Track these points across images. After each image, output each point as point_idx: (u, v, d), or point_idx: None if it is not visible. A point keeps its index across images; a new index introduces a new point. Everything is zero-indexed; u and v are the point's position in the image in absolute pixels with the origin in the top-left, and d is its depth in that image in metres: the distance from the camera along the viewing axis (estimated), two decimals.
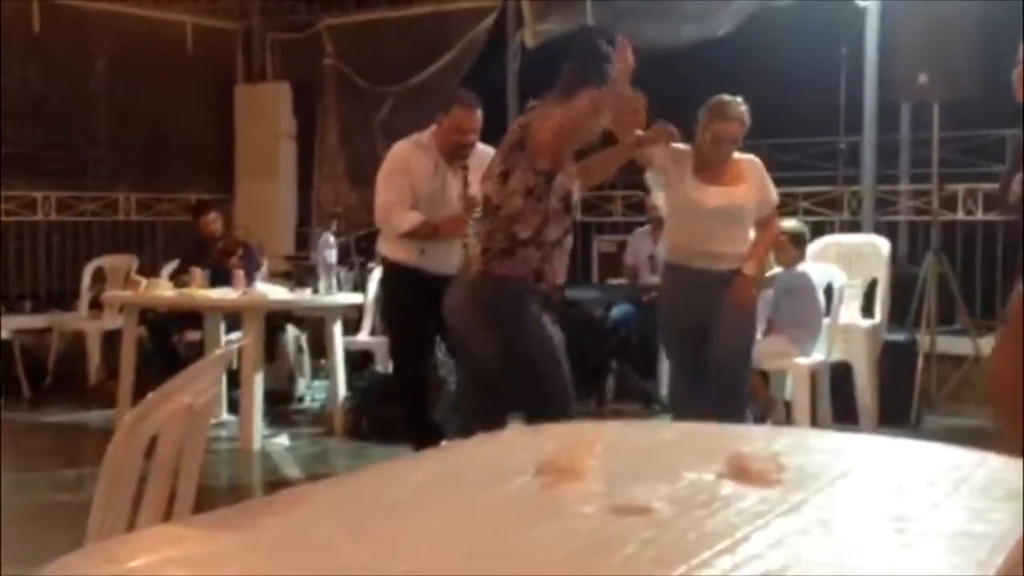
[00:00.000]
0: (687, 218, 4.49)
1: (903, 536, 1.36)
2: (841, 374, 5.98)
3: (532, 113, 3.63)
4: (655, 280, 7.01)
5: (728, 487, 1.58)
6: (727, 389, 4.31)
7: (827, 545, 1.37)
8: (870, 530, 1.43)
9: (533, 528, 1.40)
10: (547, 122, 3.52)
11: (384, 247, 5.24)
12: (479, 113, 4.98)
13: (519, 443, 1.93)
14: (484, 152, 5.10)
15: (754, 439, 1.94)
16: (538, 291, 3.58)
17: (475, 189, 4.94)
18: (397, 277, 5.15)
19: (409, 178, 4.94)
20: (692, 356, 4.46)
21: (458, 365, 4.20)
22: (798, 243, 5.78)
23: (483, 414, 3.52)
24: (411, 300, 5.05)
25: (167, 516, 1.78)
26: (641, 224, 7.37)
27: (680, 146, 4.41)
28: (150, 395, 1.70)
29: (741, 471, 1.63)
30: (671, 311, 4.63)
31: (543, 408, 3.40)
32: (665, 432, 2.05)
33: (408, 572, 1.24)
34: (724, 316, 4.33)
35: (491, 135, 5.89)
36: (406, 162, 4.98)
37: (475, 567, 1.26)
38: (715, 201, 4.43)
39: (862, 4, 6.87)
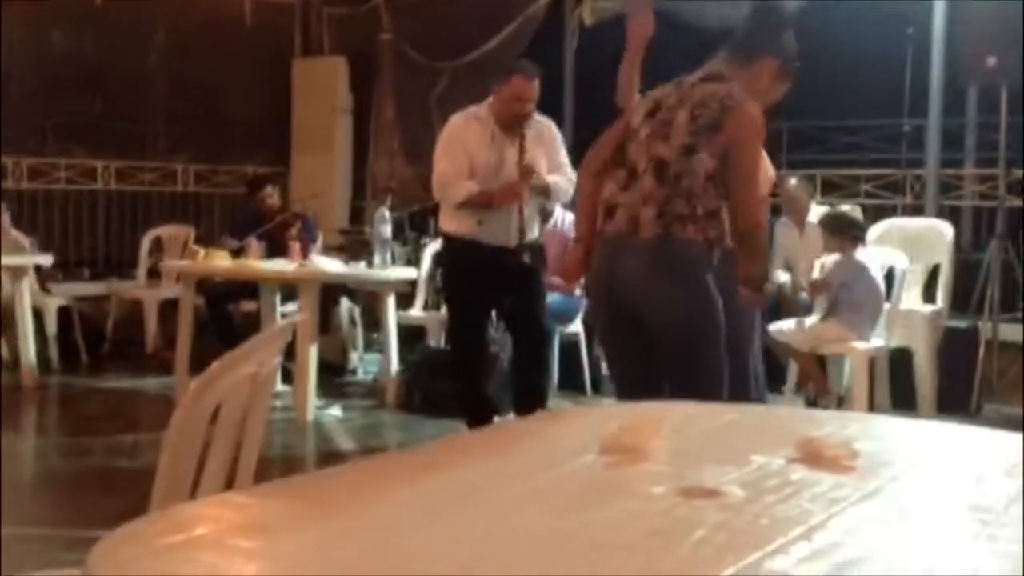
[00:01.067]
0: None
1: (987, 528, 1.32)
2: (900, 360, 5.90)
3: (720, 89, 3.31)
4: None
5: (799, 472, 1.55)
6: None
7: (906, 535, 1.33)
8: (950, 521, 1.39)
9: (600, 509, 1.38)
10: (745, 112, 3.27)
11: (443, 221, 5.24)
12: (538, 83, 4.96)
13: (581, 422, 1.90)
14: (541, 123, 5.09)
15: (824, 424, 1.89)
16: (711, 264, 3.32)
17: (531, 157, 4.93)
18: (455, 251, 5.15)
19: (466, 149, 4.93)
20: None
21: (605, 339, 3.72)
22: (846, 229, 5.67)
23: (638, 388, 3.30)
24: (469, 274, 5.05)
25: (229, 484, 1.78)
26: None
27: None
28: (215, 364, 1.70)
29: (813, 456, 1.59)
30: None
31: (706, 383, 3.22)
32: (729, 414, 2.01)
33: (476, 552, 1.22)
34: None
35: (549, 113, 5.87)
36: (462, 134, 4.98)
37: (543, 548, 1.24)
38: None
39: None
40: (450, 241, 5.18)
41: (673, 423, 1.71)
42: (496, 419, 5.35)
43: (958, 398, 5.96)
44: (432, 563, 1.18)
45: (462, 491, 1.47)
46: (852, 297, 5.57)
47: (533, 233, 5.12)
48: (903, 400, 5.84)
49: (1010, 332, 6.24)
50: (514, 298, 5.11)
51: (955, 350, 6.06)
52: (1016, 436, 1.81)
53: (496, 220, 4.95)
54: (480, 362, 5.38)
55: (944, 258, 6.08)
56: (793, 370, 6.01)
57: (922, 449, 1.83)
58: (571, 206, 7.17)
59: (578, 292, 6.42)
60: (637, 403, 1.97)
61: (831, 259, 5.87)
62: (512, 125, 4.92)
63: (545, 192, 5.03)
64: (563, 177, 5.11)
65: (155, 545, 1.22)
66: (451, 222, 5.10)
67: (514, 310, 5.20)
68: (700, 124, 3.26)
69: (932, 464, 1.73)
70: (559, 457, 1.61)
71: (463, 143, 4.96)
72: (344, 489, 1.50)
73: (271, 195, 7.25)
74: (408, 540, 1.25)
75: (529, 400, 5.15)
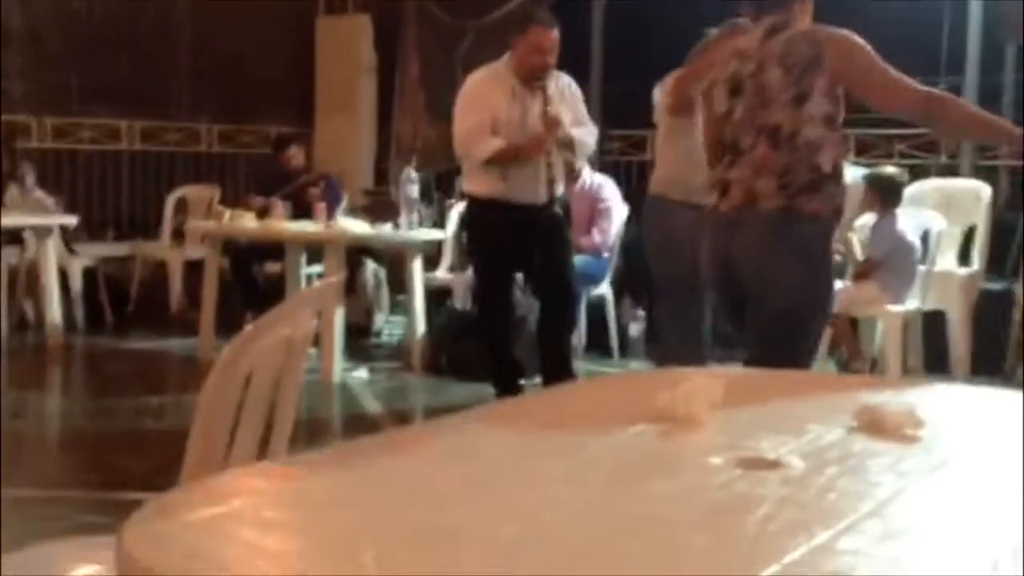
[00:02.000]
0: None
1: None
2: (934, 322, 5.80)
3: (795, 31, 3.13)
4: None
5: (861, 442, 1.47)
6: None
7: (980, 510, 1.26)
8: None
9: (657, 482, 1.31)
10: (836, 33, 3.10)
11: (466, 182, 5.17)
12: (556, 33, 4.86)
13: (628, 389, 1.83)
14: (562, 78, 4.99)
15: (882, 390, 1.82)
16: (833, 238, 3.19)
17: (555, 110, 4.85)
18: (480, 211, 5.07)
19: (488, 105, 4.85)
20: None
21: (732, 319, 3.38)
22: (889, 190, 5.57)
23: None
24: (495, 234, 4.98)
25: (262, 450, 1.72)
26: None
27: None
28: (248, 327, 1.63)
29: (874, 424, 1.51)
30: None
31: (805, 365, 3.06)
32: (781, 380, 1.94)
33: (527, 529, 1.16)
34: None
35: (576, 70, 5.76)
36: (482, 90, 4.90)
37: (599, 525, 1.17)
38: None
39: None
40: (475, 201, 5.11)
41: (725, 390, 1.63)
42: (522, 382, 5.30)
43: (992, 361, 5.86)
44: (481, 541, 1.12)
45: (509, 463, 1.41)
46: (887, 255, 5.47)
47: (561, 189, 5.03)
48: (936, 364, 5.76)
49: None
50: (541, 259, 5.04)
51: (990, 313, 5.95)
52: None
53: (523, 176, 4.87)
54: (507, 325, 5.32)
55: (981, 219, 5.96)
56: (825, 333, 5.90)
57: (984, 417, 1.75)
58: (599, 168, 7.12)
59: (606, 254, 6.35)
60: (685, 369, 1.89)
61: (866, 219, 5.77)
62: (533, 78, 4.83)
63: (570, 145, 4.93)
64: (587, 131, 5.03)
65: (190, 519, 1.16)
66: (475, 182, 5.02)
67: (541, 271, 5.13)
68: (798, 71, 3.05)
69: (996, 433, 1.65)
70: (610, 426, 1.54)
71: (484, 100, 4.87)
72: (385, 459, 1.44)
73: (296, 155, 7.19)
74: (455, 516, 1.19)
75: (555, 363, 5.09)
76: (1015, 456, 1.43)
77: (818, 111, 3.05)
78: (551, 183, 4.91)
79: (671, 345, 4.47)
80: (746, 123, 3.11)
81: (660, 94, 4.48)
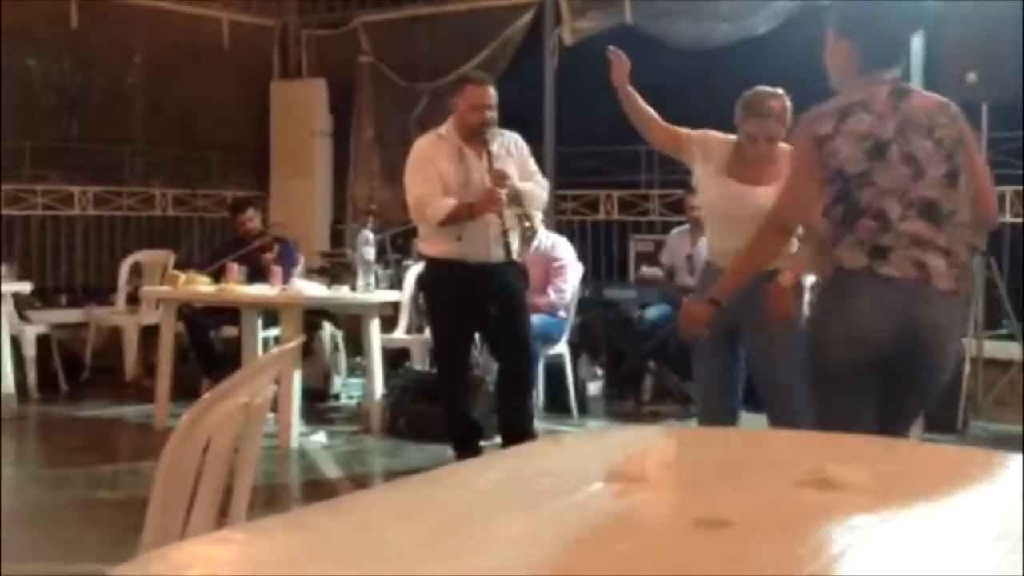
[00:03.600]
0: (721, 220, 4.20)
1: (1012, 555, 1.28)
2: None
3: (930, 99, 3.08)
4: (692, 281, 6.95)
5: (813, 497, 1.50)
6: (791, 410, 3.87)
7: (931, 563, 1.29)
8: (973, 547, 1.35)
9: (615, 542, 1.33)
10: (962, 113, 3.11)
11: (422, 244, 5.21)
12: (492, 89, 4.99)
13: (583, 449, 1.85)
14: (505, 135, 5.09)
15: (826, 447, 1.86)
16: None
17: (501, 165, 4.93)
18: (436, 272, 5.12)
19: (436, 168, 4.94)
20: (722, 362, 4.22)
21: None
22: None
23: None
24: (451, 296, 5.02)
25: (222, 515, 1.73)
26: (680, 223, 7.29)
27: (718, 137, 4.24)
28: (206, 395, 1.64)
29: (824, 481, 1.55)
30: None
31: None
32: (731, 439, 1.97)
33: None
34: (766, 332, 3.86)
35: (530, 132, 5.85)
36: (430, 154, 4.98)
37: None
38: (753, 201, 3.98)
39: None
40: (430, 262, 5.15)
41: (677, 449, 1.66)
42: (482, 443, 5.30)
43: (944, 416, 5.93)
44: None
45: (468, 524, 1.42)
46: None
47: (515, 249, 5.08)
48: None
49: (995, 349, 6.24)
50: (498, 319, 5.07)
51: None
52: (1018, 457, 1.77)
53: (476, 236, 4.92)
54: (464, 385, 5.34)
55: None
56: None
57: (931, 471, 1.79)
58: (554, 228, 7.20)
59: (562, 314, 6.40)
60: (636, 428, 1.92)
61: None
62: (475, 136, 4.93)
63: (518, 199, 4.99)
64: (536, 184, 5.10)
65: None
66: (430, 244, 5.07)
67: (498, 331, 5.16)
68: (948, 147, 3.01)
69: (944, 486, 1.69)
70: (566, 485, 1.56)
71: (432, 163, 4.95)
72: (344, 524, 1.45)
73: (252, 218, 7.21)
74: None
75: (515, 424, 5.10)
76: (962, 509, 1.47)
77: (968, 191, 3.04)
78: (505, 242, 4.96)
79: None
80: (894, 191, 3.01)
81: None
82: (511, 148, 5.07)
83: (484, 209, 4.86)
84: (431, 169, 4.94)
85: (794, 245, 3.88)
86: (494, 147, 4.96)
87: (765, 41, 7.06)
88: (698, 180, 4.34)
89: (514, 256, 5.04)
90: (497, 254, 4.96)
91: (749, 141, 4.13)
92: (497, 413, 5.31)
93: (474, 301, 5.00)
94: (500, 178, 4.86)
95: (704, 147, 4.19)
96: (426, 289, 5.53)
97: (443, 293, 5.10)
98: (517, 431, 5.00)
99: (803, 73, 7.24)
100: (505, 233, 4.92)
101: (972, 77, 6.04)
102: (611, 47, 4.15)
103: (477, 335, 5.46)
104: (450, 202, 4.88)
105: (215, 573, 1.26)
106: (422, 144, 5.08)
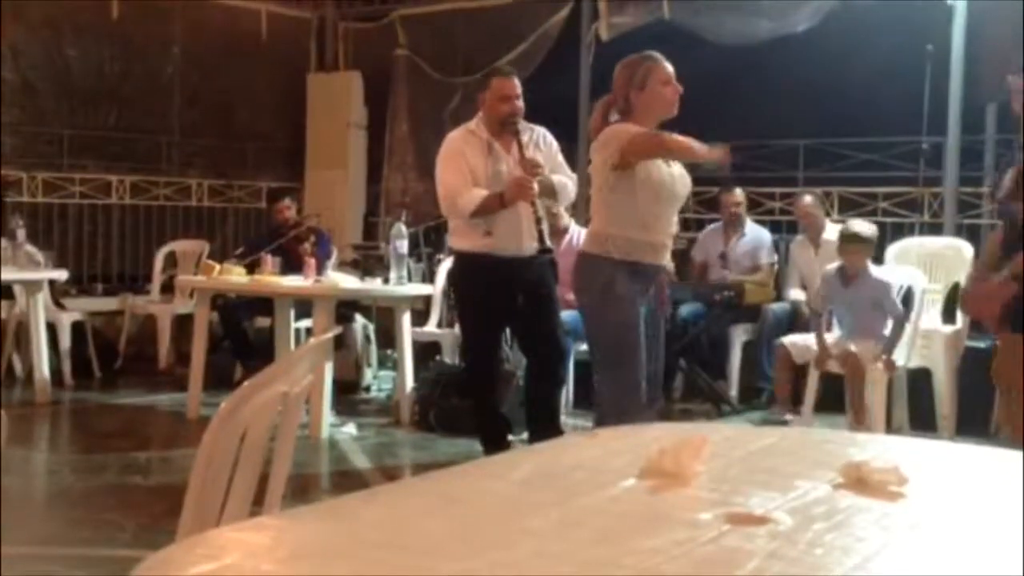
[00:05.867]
0: None
1: None
2: (919, 380, 5.83)
3: None
4: (729, 276, 6.93)
5: (846, 498, 1.50)
6: None
7: (963, 567, 1.29)
8: (1006, 551, 1.35)
9: (646, 537, 1.33)
10: None
11: (453, 238, 5.22)
12: (517, 80, 5.04)
13: (617, 444, 1.86)
14: (535, 130, 5.09)
15: (866, 447, 1.85)
16: None
17: (531, 152, 4.93)
18: (467, 267, 5.12)
19: (467, 161, 4.96)
20: None
21: None
22: (859, 243, 5.61)
23: None
24: (482, 290, 5.02)
25: (257, 504, 1.74)
26: (713, 221, 7.26)
27: None
28: (244, 384, 1.66)
29: (859, 481, 1.55)
30: None
31: None
32: (768, 437, 1.97)
33: None
34: None
35: (565, 129, 5.84)
36: (460, 147, 5.01)
37: None
38: None
39: (949, 2, 6.68)
40: (461, 256, 5.16)
41: (713, 446, 1.66)
42: (510, 438, 5.31)
43: (977, 419, 5.89)
44: None
45: (500, 517, 1.43)
46: (871, 310, 5.53)
47: (548, 243, 5.07)
48: (922, 421, 5.78)
49: None
50: (529, 314, 5.07)
51: (975, 370, 5.98)
52: None
53: (506, 228, 4.93)
54: (494, 380, 5.34)
55: (963, 277, 6.02)
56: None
57: (967, 473, 1.78)
58: (584, 222, 7.18)
59: None
60: (670, 424, 1.93)
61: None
62: (504, 127, 4.95)
63: (551, 191, 4.99)
64: (566, 178, 5.09)
65: (189, 574, 1.18)
66: (461, 238, 5.08)
67: (529, 327, 5.16)
68: None
69: (980, 489, 1.68)
70: (599, 481, 1.56)
71: (463, 156, 4.98)
72: (377, 514, 1.46)
73: (289, 206, 7.25)
74: (446, 568, 1.21)
75: (543, 419, 5.10)
76: (997, 512, 1.46)
77: None
78: (539, 231, 4.93)
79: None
80: None
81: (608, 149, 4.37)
82: (540, 142, 5.08)
83: (515, 198, 4.86)
84: (461, 162, 4.96)
85: None
86: (525, 140, 4.97)
87: (804, 38, 7.03)
88: None
89: (547, 243, 4.99)
90: (529, 247, 4.96)
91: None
92: (525, 408, 5.32)
93: (505, 295, 5.00)
94: (532, 167, 4.87)
95: None
96: (456, 283, 5.53)
97: (473, 287, 5.10)
98: (546, 427, 5.00)
99: (840, 70, 7.22)
100: (538, 221, 4.90)
101: (1012, 80, 5.97)
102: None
103: (507, 329, 5.46)
104: (481, 193, 4.89)
105: (253, 558, 1.28)
106: (452, 138, 5.09)
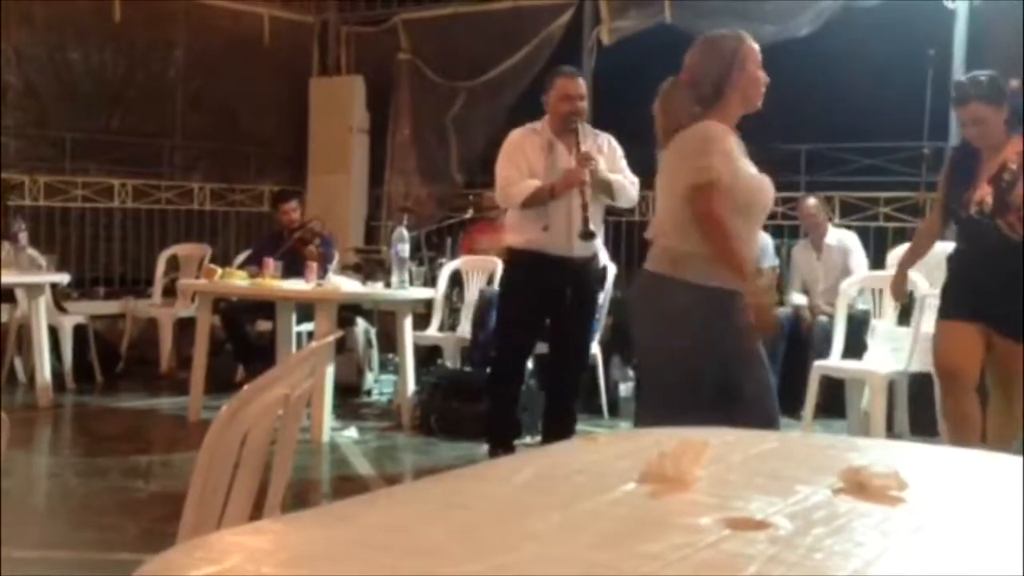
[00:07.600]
0: None
1: None
2: (920, 385, 5.83)
3: None
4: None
5: (846, 503, 1.50)
6: None
7: (966, 569, 1.29)
8: (1006, 556, 1.35)
9: (647, 541, 1.33)
10: None
11: (508, 234, 5.23)
12: (581, 81, 5.12)
13: (618, 448, 1.86)
14: (599, 134, 5.13)
15: (866, 452, 1.85)
16: None
17: (587, 146, 4.95)
18: (518, 263, 5.14)
19: (524, 156, 5.02)
20: None
21: None
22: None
23: None
24: (528, 287, 5.04)
25: (257, 508, 1.75)
26: None
27: None
28: (245, 387, 1.66)
29: (859, 486, 1.55)
30: None
31: None
32: (769, 442, 1.97)
33: None
34: None
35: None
36: (520, 143, 5.08)
37: None
38: None
39: (950, 5, 6.69)
40: (513, 252, 5.17)
41: (714, 450, 1.67)
42: (515, 442, 5.31)
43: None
44: None
45: (501, 521, 1.43)
46: None
47: (600, 233, 5.08)
48: (923, 426, 5.77)
49: None
50: (567, 315, 5.10)
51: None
52: None
53: (561, 227, 4.95)
54: (521, 381, 5.34)
55: None
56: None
57: (969, 478, 1.78)
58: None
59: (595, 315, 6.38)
60: (674, 429, 1.93)
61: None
62: (566, 125, 5.00)
63: (607, 189, 5.00)
64: (627, 180, 5.09)
65: None
66: (517, 232, 5.11)
67: (563, 328, 5.17)
68: None
69: (981, 494, 1.68)
70: (600, 485, 1.56)
71: (522, 151, 5.05)
72: (378, 518, 1.46)
73: (294, 208, 7.27)
74: (448, 570, 1.21)
75: (560, 425, 5.11)
76: (997, 518, 1.46)
77: None
78: (584, 217, 4.89)
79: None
80: None
81: None
82: (603, 146, 5.12)
83: (566, 186, 4.91)
84: (519, 156, 5.04)
85: None
86: (586, 143, 5.01)
87: (806, 43, 7.03)
88: None
89: (592, 229, 4.93)
90: (580, 249, 4.99)
91: None
92: (545, 411, 5.33)
93: (550, 294, 5.05)
94: (586, 159, 4.90)
95: None
96: (505, 281, 5.43)
97: (521, 283, 5.12)
98: (561, 433, 4.98)
99: (842, 74, 7.22)
100: (584, 207, 4.88)
101: (1015, 83, 5.97)
102: None
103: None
104: (532, 183, 4.97)
105: (254, 562, 1.28)
106: (514, 135, 5.17)
